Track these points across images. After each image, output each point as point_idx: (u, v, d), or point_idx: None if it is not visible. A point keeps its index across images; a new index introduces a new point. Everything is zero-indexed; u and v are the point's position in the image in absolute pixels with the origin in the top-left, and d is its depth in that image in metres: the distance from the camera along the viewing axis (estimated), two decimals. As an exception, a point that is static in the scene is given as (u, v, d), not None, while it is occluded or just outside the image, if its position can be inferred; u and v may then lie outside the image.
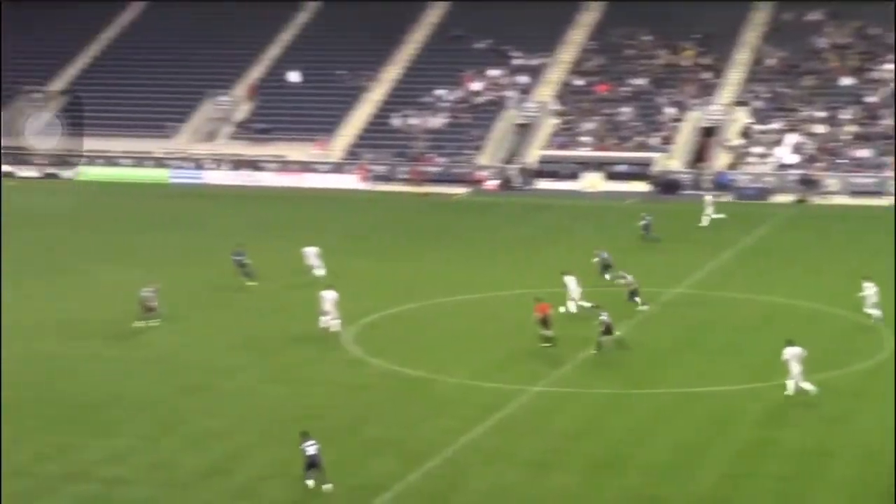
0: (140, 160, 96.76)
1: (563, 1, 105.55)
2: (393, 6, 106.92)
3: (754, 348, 46.43)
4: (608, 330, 45.78)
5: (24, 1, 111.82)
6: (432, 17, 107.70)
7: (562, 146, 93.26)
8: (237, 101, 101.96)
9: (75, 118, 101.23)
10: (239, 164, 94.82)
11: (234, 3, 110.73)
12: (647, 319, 50.72)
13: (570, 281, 51.00)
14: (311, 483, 33.69)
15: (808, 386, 40.28)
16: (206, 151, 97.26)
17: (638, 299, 51.81)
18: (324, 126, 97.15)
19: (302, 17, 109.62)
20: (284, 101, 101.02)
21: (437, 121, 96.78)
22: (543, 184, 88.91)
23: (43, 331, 50.81)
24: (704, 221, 73.20)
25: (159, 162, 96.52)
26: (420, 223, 74.33)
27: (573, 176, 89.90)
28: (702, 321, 51.32)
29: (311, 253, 58.21)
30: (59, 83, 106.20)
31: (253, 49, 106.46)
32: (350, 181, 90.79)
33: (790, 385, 40.28)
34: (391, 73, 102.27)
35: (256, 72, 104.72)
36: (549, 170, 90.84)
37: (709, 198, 75.26)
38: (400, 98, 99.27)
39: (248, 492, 34.23)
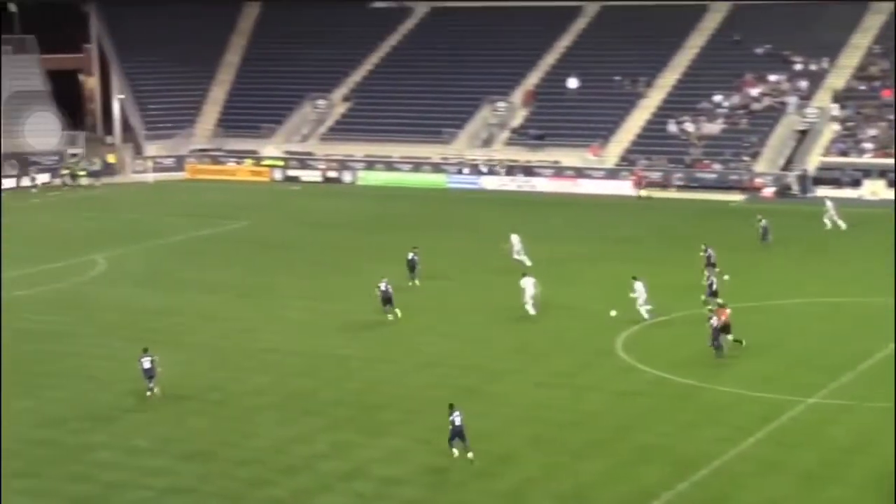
0: (418, 165, 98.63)
1: (848, 3, 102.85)
2: (672, 12, 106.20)
3: None
4: (724, 330, 46.57)
5: (313, 10, 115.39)
6: (711, 21, 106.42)
7: (842, 153, 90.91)
8: (514, 107, 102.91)
9: (356, 124, 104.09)
10: (514, 169, 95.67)
11: (514, 10, 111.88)
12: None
13: (639, 286, 51.84)
14: (455, 452, 36.24)
15: None
16: (482, 156, 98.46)
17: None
18: (599, 132, 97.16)
19: (580, 24, 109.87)
20: (560, 107, 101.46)
21: (714, 127, 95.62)
22: (822, 191, 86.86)
23: (327, 330, 52.52)
24: None
25: (437, 167, 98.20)
26: (692, 230, 73.55)
27: (855, 183, 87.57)
28: None
29: (516, 240, 62.04)
30: (342, 90, 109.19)
31: (531, 55, 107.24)
32: (624, 187, 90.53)
33: None
34: (668, 79, 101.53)
35: (534, 78, 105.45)
36: (828, 177, 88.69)
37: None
38: (676, 104, 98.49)
39: (516, 495, 34.69)
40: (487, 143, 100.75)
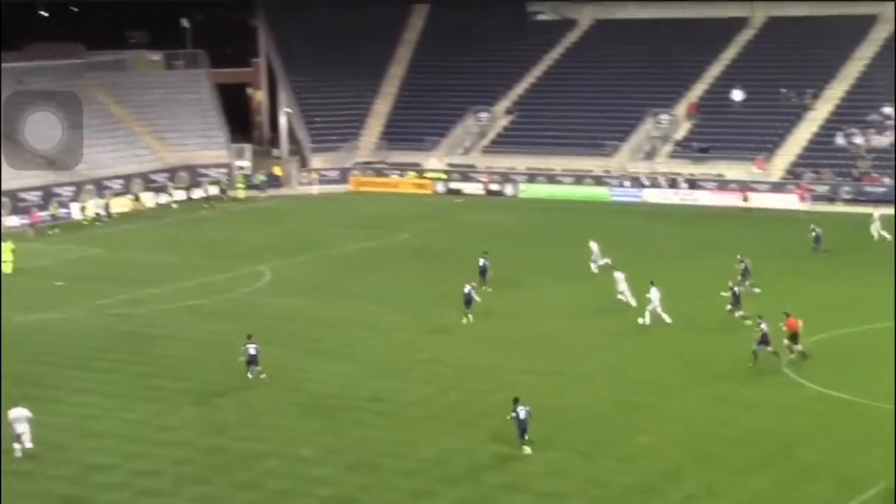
0: (580, 178, 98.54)
1: None
2: (840, 22, 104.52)
3: None
4: (765, 340, 46.99)
5: (476, 24, 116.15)
6: (881, 31, 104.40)
7: None
8: (677, 120, 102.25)
9: (519, 136, 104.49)
10: (677, 182, 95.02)
11: (679, 22, 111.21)
12: None
13: (654, 293, 53.70)
14: (527, 450, 38.41)
15: None
16: (645, 169, 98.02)
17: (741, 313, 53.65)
18: (764, 145, 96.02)
19: (746, 35, 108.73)
20: (725, 120, 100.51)
21: (884, 139, 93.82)
22: None
23: (487, 341, 52.87)
24: None
25: (598, 180, 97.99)
26: (859, 245, 72.27)
27: None
28: None
29: (595, 248, 64.60)
30: (505, 102, 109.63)
31: (696, 67, 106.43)
32: (790, 201, 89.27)
33: None
34: (836, 91, 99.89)
35: (698, 90, 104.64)
36: None
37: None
38: (844, 116, 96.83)
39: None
40: (650, 155, 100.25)
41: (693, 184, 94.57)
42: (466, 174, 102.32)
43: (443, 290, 60.47)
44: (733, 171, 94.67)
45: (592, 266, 64.51)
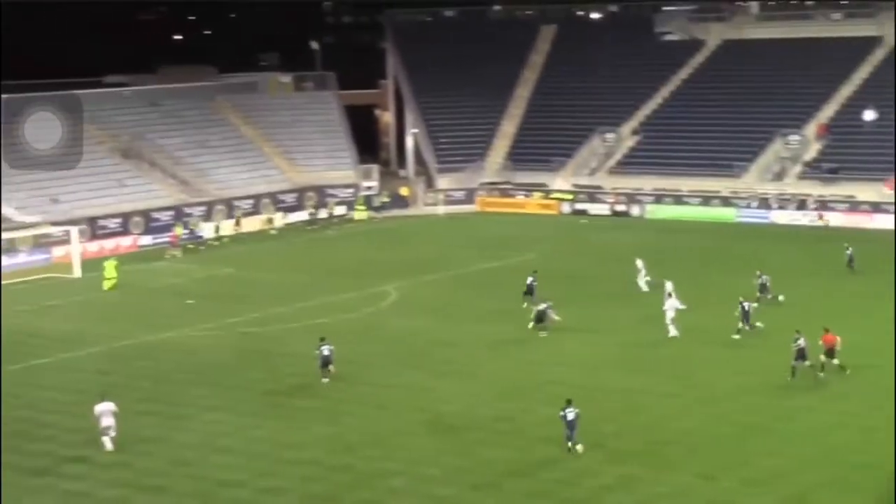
0: (707, 199, 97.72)
1: None
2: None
3: None
4: (802, 355, 47.94)
5: (603, 45, 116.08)
6: None
7: None
8: (807, 141, 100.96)
9: (645, 157, 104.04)
10: (806, 203, 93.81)
11: (809, 42, 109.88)
12: None
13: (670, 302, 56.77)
14: (580, 448, 40.51)
15: None
16: (773, 190, 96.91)
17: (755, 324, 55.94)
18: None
19: (879, 55, 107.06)
20: (855, 140, 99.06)
21: None
22: None
23: (609, 362, 52.74)
24: None
25: (726, 201, 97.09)
26: None
27: None
28: None
29: (641, 265, 66.84)
30: (631, 123, 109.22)
31: (826, 87, 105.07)
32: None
33: None
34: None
35: (829, 110, 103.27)
36: None
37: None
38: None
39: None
40: (779, 176, 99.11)
41: (823, 205, 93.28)
42: (593, 195, 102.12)
43: (565, 310, 60.32)
44: (864, 192, 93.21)
45: (641, 283, 66.28)
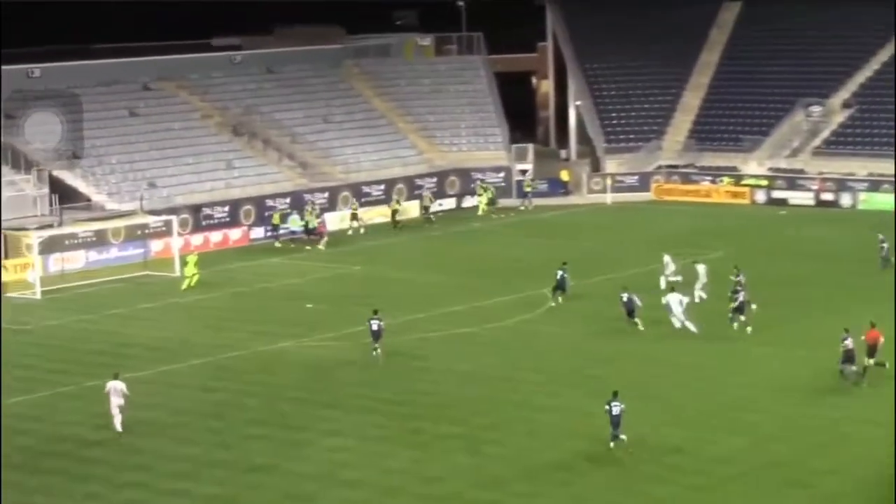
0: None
1: None
2: None
3: None
4: (849, 358, 50.87)
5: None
6: None
7: None
8: None
9: (859, 135, 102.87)
10: None
11: None
12: None
13: (674, 299, 60.73)
14: (624, 437, 43.98)
15: None
16: None
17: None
18: None
19: None
20: None
21: None
22: None
23: (808, 382, 52.60)
24: None
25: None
26: None
27: None
28: None
29: (669, 261, 70.39)
30: (843, 94, 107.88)
31: None
32: None
33: None
34: None
35: None
36: None
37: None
38: None
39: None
40: None
41: None
42: (793, 181, 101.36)
43: (763, 322, 60.08)
44: None
45: (661, 280, 69.10)
